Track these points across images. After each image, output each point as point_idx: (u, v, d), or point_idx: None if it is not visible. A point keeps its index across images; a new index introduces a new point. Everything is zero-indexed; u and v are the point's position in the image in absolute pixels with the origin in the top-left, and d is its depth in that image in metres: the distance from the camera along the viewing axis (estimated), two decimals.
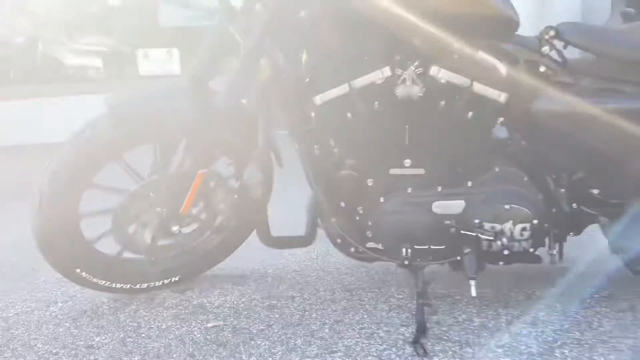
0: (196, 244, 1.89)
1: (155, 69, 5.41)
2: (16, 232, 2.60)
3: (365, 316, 1.69)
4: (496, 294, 1.78)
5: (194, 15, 5.31)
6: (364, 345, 1.54)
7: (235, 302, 1.82)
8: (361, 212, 1.65)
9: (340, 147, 1.61)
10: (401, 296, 1.80)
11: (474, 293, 1.50)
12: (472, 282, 1.50)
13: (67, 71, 5.64)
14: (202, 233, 1.86)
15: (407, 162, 1.59)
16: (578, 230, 1.65)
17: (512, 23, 1.49)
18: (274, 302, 1.81)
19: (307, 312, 1.73)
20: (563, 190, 1.57)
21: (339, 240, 1.69)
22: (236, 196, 1.75)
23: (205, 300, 1.83)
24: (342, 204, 1.66)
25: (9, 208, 3.03)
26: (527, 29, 1.65)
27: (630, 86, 1.47)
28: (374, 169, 1.62)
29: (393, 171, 1.61)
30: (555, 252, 1.61)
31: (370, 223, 1.63)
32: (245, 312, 1.74)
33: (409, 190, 1.59)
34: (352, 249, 1.69)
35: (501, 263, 1.59)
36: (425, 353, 1.47)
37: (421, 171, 1.60)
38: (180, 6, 5.30)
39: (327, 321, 1.67)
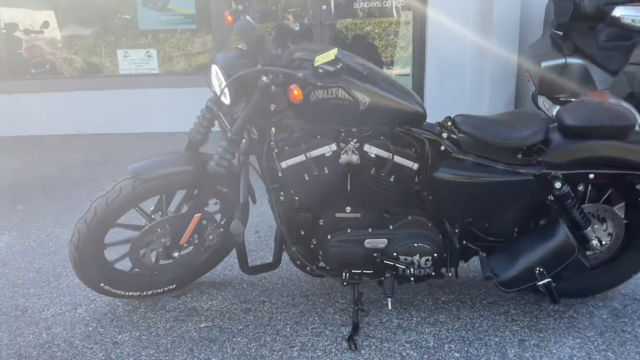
0: (188, 260, 2.47)
1: (134, 68, 5.83)
2: (32, 238, 3.16)
3: (316, 318, 2.32)
4: (413, 300, 2.43)
5: (171, 19, 5.74)
6: (314, 341, 2.17)
7: (219, 305, 2.43)
8: (314, 242, 2.26)
9: (300, 197, 2.19)
10: (344, 301, 2.43)
11: (390, 307, 2.15)
12: (389, 299, 2.13)
13: (52, 65, 5.99)
14: (193, 253, 2.45)
15: (348, 209, 2.20)
16: (466, 259, 2.31)
17: (420, 116, 2.09)
18: (249, 305, 2.42)
19: (274, 315, 2.35)
20: (456, 232, 2.22)
21: (298, 262, 2.30)
22: (221, 230, 2.35)
23: (197, 304, 2.44)
24: (301, 236, 2.26)
25: (18, 212, 3.55)
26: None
27: (500, 164, 2.10)
28: (324, 213, 2.22)
29: (338, 215, 2.21)
30: (450, 274, 2.25)
31: (320, 252, 2.24)
32: (228, 315, 2.35)
33: (349, 230, 2.20)
34: (308, 268, 2.30)
35: (412, 282, 2.22)
36: (356, 347, 2.11)
37: (358, 216, 2.21)
38: (158, 11, 5.70)
39: (288, 322, 2.30)
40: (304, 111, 2.03)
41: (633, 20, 3.63)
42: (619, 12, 3.70)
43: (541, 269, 2.09)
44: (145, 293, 2.42)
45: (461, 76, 5.76)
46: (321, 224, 2.23)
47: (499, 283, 2.15)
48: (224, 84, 1.99)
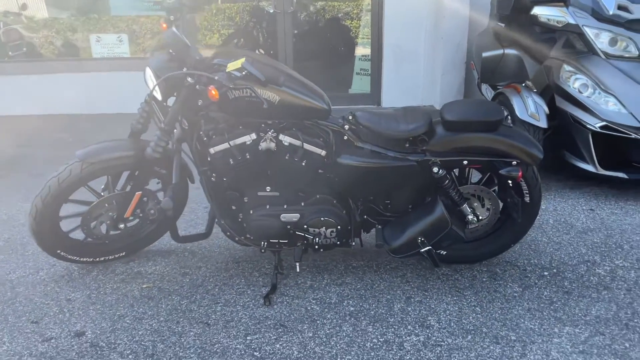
0: (136, 231, 2.87)
1: (107, 51, 6.14)
2: (4, 212, 3.53)
3: (242, 280, 2.74)
4: (327, 265, 2.85)
5: (140, 5, 6.04)
6: (237, 299, 2.59)
7: (162, 270, 2.84)
8: (241, 217, 2.66)
9: (227, 178, 2.59)
10: (269, 267, 2.85)
11: (298, 269, 2.58)
12: (297, 264, 2.55)
13: (29, 48, 6.27)
14: (140, 225, 2.85)
15: (268, 188, 2.60)
16: (367, 231, 2.73)
17: (325, 111, 2.48)
18: (187, 270, 2.83)
19: (207, 278, 2.76)
20: (358, 208, 2.63)
21: (228, 233, 2.70)
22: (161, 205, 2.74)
23: (142, 269, 2.84)
24: (230, 211, 2.66)
25: None
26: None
27: (391, 152, 2.50)
28: (248, 191, 2.62)
29: (260, 193, 2.61)
30: (354, 243, 2.67)
31: (245, 225, 2.65)
32: (168, 277, 2.76)
33: (268, 206, 2.60)
34: (236, 239, 2.70)
35: (321, 250, 2.64)
36: (270, 303, 2.53)
37: (276, 194, 2.61)
38: None
39: (218, 283, 2.71)
40: (225, 106, 2.41)
41: (548, 19, 4.01)
42: (537, 11, 4.08)
43: (422, 239, 2.51)
44: (97, 259, 2.82)
45: (415, 64, 6.14)
46: (246, 200, 2.62)
47: (389, 250, 2.57)
48: (155, 83, 2.37)
